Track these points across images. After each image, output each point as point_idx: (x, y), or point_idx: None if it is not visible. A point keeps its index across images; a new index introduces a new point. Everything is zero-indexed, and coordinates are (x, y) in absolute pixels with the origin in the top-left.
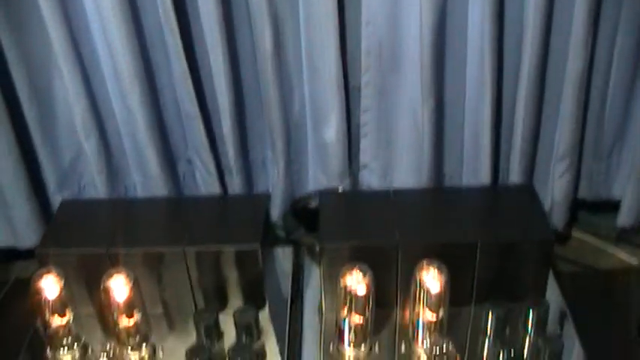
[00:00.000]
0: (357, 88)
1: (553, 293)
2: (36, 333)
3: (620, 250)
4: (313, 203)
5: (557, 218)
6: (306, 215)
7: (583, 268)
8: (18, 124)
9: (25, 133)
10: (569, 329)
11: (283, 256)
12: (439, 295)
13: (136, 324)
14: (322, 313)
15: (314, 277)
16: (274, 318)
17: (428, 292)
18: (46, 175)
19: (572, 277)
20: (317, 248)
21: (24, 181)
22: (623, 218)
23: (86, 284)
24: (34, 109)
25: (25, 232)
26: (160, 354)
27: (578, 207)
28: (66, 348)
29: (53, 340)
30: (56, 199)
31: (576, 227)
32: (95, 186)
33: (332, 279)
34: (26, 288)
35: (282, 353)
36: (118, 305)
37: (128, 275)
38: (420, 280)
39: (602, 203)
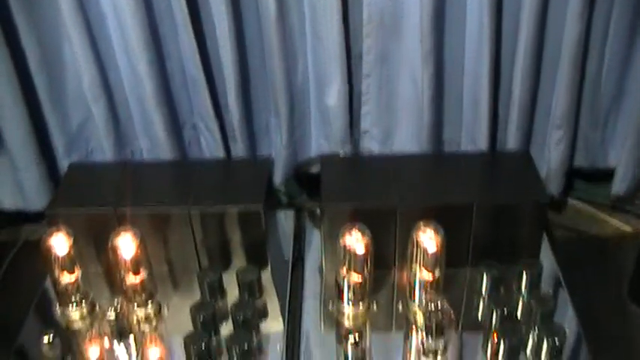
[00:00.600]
0: (358, 55)
1: (547, 257)
2: (44, 292)
3: (615, 218)
4: (315, 169)
5: (553, 185)
6: (308, 181)
7: (577, 234)
8: (27, 89)
9: (35, 98)
10: (562, 291)
11: (285, 220)
12: (435, 255)
13: (142, 281)
14: (322, 273)
15: (315, 240)
16: (276, 278)
17: (425, 252)
18: (55, 140)
19: (567, 243)
20: (318, 212)
21: (33, 146)
22: (617, 186)
23: (94, 244)
24: (44, 74)
25: (34, 195)
26: (165, 311)
27: (575, 175)
28: (74, 304)
29: (62, 296)
30: (64, 163)
31: (572, 195)
32: (102, 150)
33: (332, 240)
34: (35, 249)
35: (282, 311)
36: (125, 263)
37: (135, 234)
38: (417, 240)
39: (598, 172)
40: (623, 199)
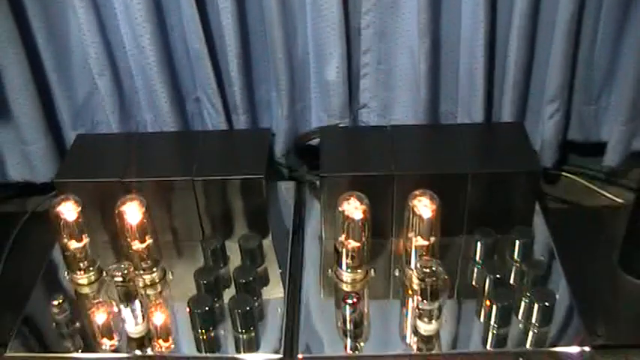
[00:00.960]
0: (357, 31)
1: (540, 227)
2: (52, 260)
3: (607, 190)
4: (315, 141)
5: (547, 157)
6: (308, 153)
7: (570, 205)
8: (34, 63)
9: (41, 71)
10: (553, 258)
11: (286, 191)
12: (431, 222)
13: (147, 248)
14: (322, 241)
15: (315, 210)
16: (277, 245)
17: (420, 218)
18: (61, 113)
19: (560, 213)
20: (318, 183)
21: (40, 118)
22: (609, 158)
23: (101, 212)
24: (50, 48)
25: (41, 167)
26: (170, 276)
27: (569, 149)
28: (82, 271)
29: (71, 263)
30: (70, 136)
31: (566, 168)
32: (108, 123)
33: (332, 208)
34: (41, 220)
35: (283, 277)
36: (132, 229)
37: (141, 201)
38: (413, 207)
39: (592, 145)
40: (615, 172)
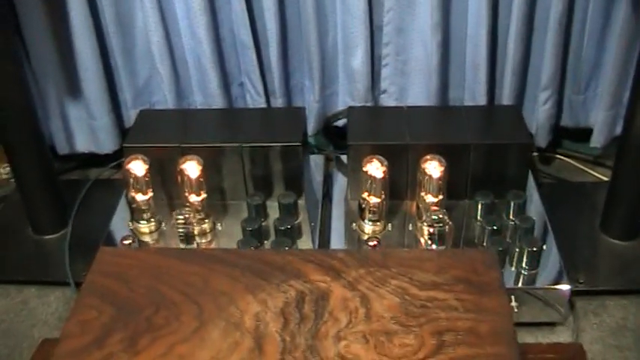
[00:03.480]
0: (379, 27)
1: (533, 196)
2: (117, 217)
3: (595, 171)
4: (341, 122)
5: (541, 139)
6: (334, 134)
7: (561, 181)
8: (104, 49)
9: (109, 57)
10: (543, 220)
11: (316, 164)
12: (439, 181)
13: (202, 201)
14: (347, 202)
15: (340, 180)
16: (309, 204)
17: (430, 178)
18: (124, 93)
19: (552, 187)
20: (344, 159)
21: (106, 97)
22: (595, 139)
23: (161, 174)
24: (118, 37)
25: (105, 140)
26: (219, 227)
27: (562, 134)
28: (145, 221)
29: (136, 214)
30: (130, 114)
31: (560, 151)
32: (164, 103)
33: (356, 173)
34: (104, 186)
35: (314, 229)
36: (190, 182)
37: (198, 160)
38: (424, 169)
39: (582, 131)
40: (603, 155)
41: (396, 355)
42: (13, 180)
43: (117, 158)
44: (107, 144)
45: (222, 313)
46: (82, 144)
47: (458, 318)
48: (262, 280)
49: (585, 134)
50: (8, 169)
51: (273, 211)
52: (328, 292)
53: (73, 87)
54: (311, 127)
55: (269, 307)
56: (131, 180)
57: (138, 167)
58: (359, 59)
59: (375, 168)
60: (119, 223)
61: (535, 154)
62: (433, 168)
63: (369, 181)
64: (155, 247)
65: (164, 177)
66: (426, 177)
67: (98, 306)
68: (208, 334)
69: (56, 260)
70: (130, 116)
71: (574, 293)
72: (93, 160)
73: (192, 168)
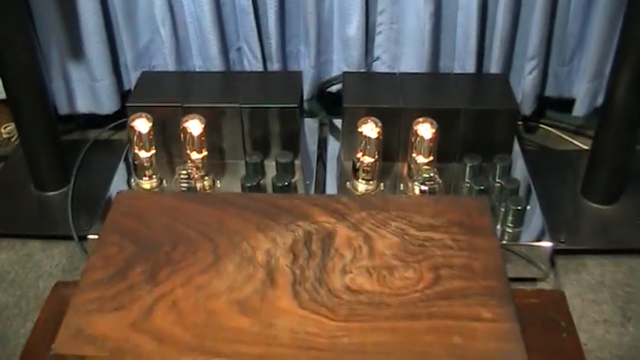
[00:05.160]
0: None
1: (519, 161)
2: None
3: (576, 139)
4: (335, 87)
5: (527, 107)
6: (328, 100)
7: (545, 149)
8: (107, 12)
9: (112, 19)
10: (528, 182)
11: (310, 127)
12: (430, 142)
13: (203, 159)
14: (341, 162)
15: (333, 143)
16: (305, 164)
17: (422, 139)
18: (125, 56)
19: (536, 154)
20: (337, 124)
21: (108, 58)
22: (577, 109)
23: (162, 133)
24: (121, 0)
25: (106, 101)
26: (219, 184)
27: (547, 104)
28: (148, 177)
29: (139, 170)
30: (131, 76)
31: (544, 121)
32: (164, 66)
33: (351, 134)
34: (104, 146)
35: (308, 188)
36: (193, 140)
37: (200, 119)
38: (416, 130)
39: (565, 102)
40: (584, 125)
41: (396, 286)
42: (13, 140)
43: (116, 119)
44: (107, 105)
45: (236, 249)
46: (83, 104)
47: (453, 255)
48: (272, 220)
49: (568, 105)
50: (9, 128)
51: (271, 170)
52: (333, 232)
53: (75, 49)
54: (306, 92)
55: (279, 245)
56: (135, 137)
57: (142, 125)
58: (354, 27)
59: (370, 129)
60: (120, 181)
61: (520, 123)
62: (425, 130)
63: (364, 142)
64: (170, 191)
65: (165, 136)
66: (418, 138)
67: (119, 242)
68: (224, 267)
69: (59, 216)
70: (131, 78)
71: (555, 252)
72: (92, 121)
73: (194, 126)
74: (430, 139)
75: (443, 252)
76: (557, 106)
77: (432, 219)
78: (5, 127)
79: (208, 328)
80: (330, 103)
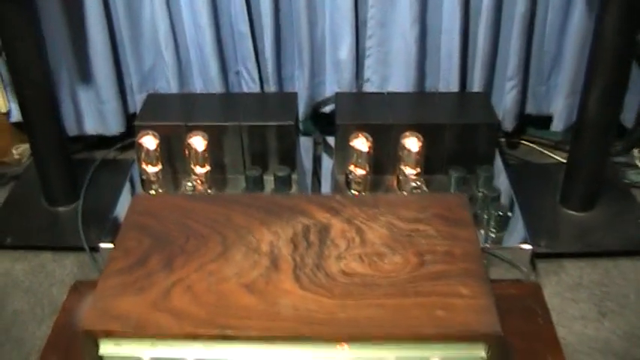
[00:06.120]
0: (364, 21)
1: (501, 174)
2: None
3: (555, 154)
4: (328, 108)
5: (508, 123)
6: (321, 120)
7: (526, 163)
8: (113, 38)
9: (118, 45)
10: (509, 192)
11: (305, 145)
12: (417, 155)
13: (206, 173)
14: (334, 176)
15: (327, 160)
16: (300, 177)
17: (409, 151)
18: (130, 79)
19: (518, 167)
20: (331, 142)
21: (114, 82)
22: (555, 124)
23: (167, 150)
24: (127, 27)
25: (112, 122)
26: None
27: (527, 122)
28: (154, 191)
29: (146, 184)
30: (137, 98)
31: (525, 137)
32: (167, 89)
33: (343, 151)
34: (110, 165)
35: None
36: (197, 155)
37: (204, 135)
38: (403, 144)
39: (545, 118)
40: (563, 141)
41: (386, 270)
42: (24, 160)
43: (122, 140)
44: (114, 126)
45: (242, 240)
46: (91, 126)
47: (436, 244)
48: (274, 216)
49: (548, 122)
50: (20, 150)
51: (269, 184)
52: (329, 226)
53: (84, 73)
54: (300, 112)
55: (281, 237)
56: (143, 154)
57: (149, 141)
58: (345, 50)
59: (361, 143)
60: (128, 196)
61: (503, 139)
62: (412, 143)
63: (355, 155)
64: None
65: (170, 153)
66: (406, 151)
67: (137, 237)
68: (232, 256)
69: (69, 228)
70: (135, 101)
71: (536, 256)
72: (99, 142)
73: (198, 142)
74: (417, 152)
75: (427, 241)
76: (538, 123)
77: (417, 213)
78: (17, 149)
79: (220, 306)
80: (323, 123)
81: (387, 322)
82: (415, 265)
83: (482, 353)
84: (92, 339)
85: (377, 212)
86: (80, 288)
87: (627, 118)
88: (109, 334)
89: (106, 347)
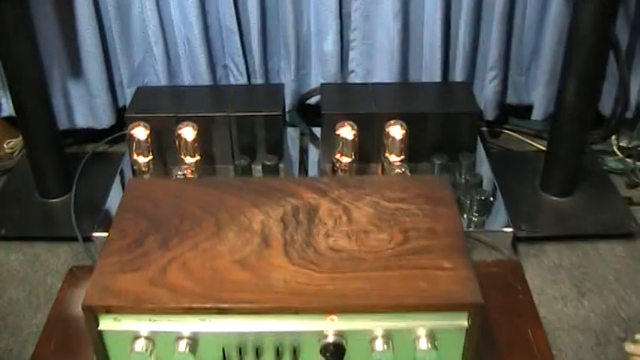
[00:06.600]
0: (348, 14)
1: (483, 161)
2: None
3: (536, 142)
4: (314, 99)
5: (489, 113)
6: (307, 112)
7: (508, 151)
8: (103, 33)
9: (108, 40)
10: (491, 178)
11: (291, 136)
12: (401, 143)
13: (196, 163)
14: (321, 164)
15: (313, 150)
16: (287, 166)
17: (393, 139)
18: (120, 74)
19: (499, 155)
20: (317, 133)
21: (105, 77)
22: (536, 113)
23: (157, 141)
24: (117, 23)
25: (103, 116)
26: None
27: (508, 112)
28: None
29: (137, 175)
30: (126, 92)
31: (506, 127)
32: (156, 83)
33: (329, 140)
34: (101, 158)
35: None
36: (187, 145)
37: (194, 126)
38: (388, 132)
39: (525, 108)
40: (543, 129)
41: (372, 245)
42: (15, 154)
43: (111, 134)
44: (104, 120)
45: (235, 220)
46: (82, 119)
47: (419, 221)
48: (264, 197)
49: (528, 111)
50: (11, 144)
51: (257, 173)
52: (317, 206)
53: (74, 67)
54: (287, 104)
55: (271, 216)
56: (134, 144)
57: (140, 132)
58: (330, 43)
59: (347, 131)
60: (119, 187)
61: (485, 129)
62: (396, 131)
63: (341, 143)
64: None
65: (161, 145)
66: (390, 139)
67: (133, 218)
68: (225, 234)
69: (63, 220)
70: (125, 95)
71: (517, 240)
72: (89, 136)
73: (188, 132)
74: (401, 140)
75: (411, 218)
76: (519, 113)
77: (401, 193)
78: (8, 143)
79: (214, 281)
80: (309, 114)
81: (373, 293)
82: (399, 241)
83: (465, 322)
84: (92, 315)
85: (362, 193)
86: (77, 273)
87: (605, 107)
88: (109, 310)
89: (105, 323)
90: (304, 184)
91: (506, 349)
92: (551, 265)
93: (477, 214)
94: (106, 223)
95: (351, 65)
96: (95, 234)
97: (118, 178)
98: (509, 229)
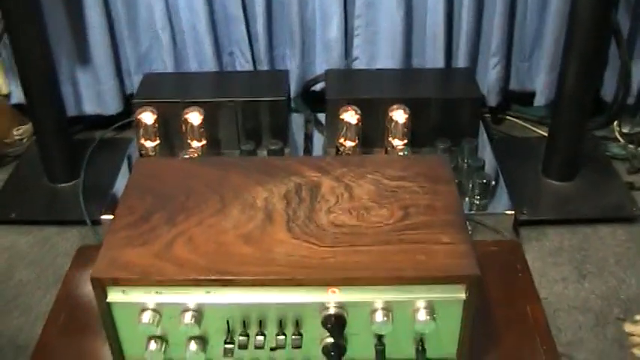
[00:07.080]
0: (351, 1)
1: (486, 147)
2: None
3: (538, 128)
4: (318, 86)
5: (492, 99)
6: (311, 99)
7: (510, 136)
8: (111, 21)
9: (116, 28)
10: (493, 162)
11: (296, 122)
12: (404, 127)
13: (202, 147)
14: (325, 149)
15: (317, 135)
16: (292, 150)
17: (396, 123)
18: (127, 61)
19: (502, 141)
20: (321, 119)
21: (112, 64)
22: (538, 99)
23: (164, 126)
24: (124, 10)
25: (110, 103)
26: None
27: (511, 98)
28: None
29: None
30: (133, 79)
31: (509, 113)
32: (163, 70)
33: (333, 125)
34: (108, 144)
35: None
36: (193, 129)
37: (200, 110)
38: (391, 116)
39: (528, 95)
40: (546, 116)
41: (372, 221)
42: (24, 141)
43: (118, 120)
44: (112, 106)
45: (239, 198)
46: (90, 106)
47: (419, 198)
48: (268, 176)
49: (531, 98)
50: (20, 131)
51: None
52: (319, 183)
53: (83, 55)
54: (292, 90)
55: (274, 194)
56: (141, 129)
57: (147, 117)
58: (334, 30)
59: (350, 115)
60: (126, 172)
61: (488, 115)
62: (399, 115)
63: (345, 128)
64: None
65: (167, 130)
66: (393, 123)
67: (140, 196)
68: (230, 211)
69: (71, 204)
70: (133, 82)
71: (519, 223)
72: (97, 123)
73: (194, 117)
74: (404, 124)
75: (410, 196)
76: (522, 100)
77: (402, 171)
78: (17, 130)
79: (219, 255)
80: (314, 101)
81: (374, 265)
82: (399, 217)
83: (463, 295)
84: (101, 287)
85: (364, 171)
86: (85, 252)
87: (607, 93)
88: (116, 282)
89: (113, 295)
90: (307, 163)
91: (504, 324)
92: (552, 248)
93: (478, 198)
94: (113, 207)
95: (355, 52)
96: (103, 217)
97: (125, 164)
98: (511, 212)
